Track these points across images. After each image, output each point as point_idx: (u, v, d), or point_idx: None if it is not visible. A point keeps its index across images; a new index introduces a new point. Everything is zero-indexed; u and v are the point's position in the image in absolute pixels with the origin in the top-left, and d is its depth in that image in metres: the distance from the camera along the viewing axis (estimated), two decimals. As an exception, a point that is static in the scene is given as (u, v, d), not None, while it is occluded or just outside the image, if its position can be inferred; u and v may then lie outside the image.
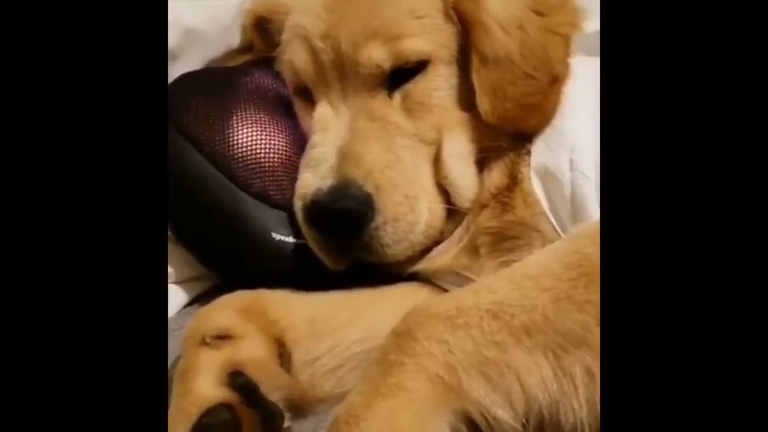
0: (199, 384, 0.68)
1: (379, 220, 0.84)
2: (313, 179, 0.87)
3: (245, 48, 1.09)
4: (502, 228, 0.86)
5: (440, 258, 0.89)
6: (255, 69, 1.02)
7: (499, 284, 0.73)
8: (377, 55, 0.88)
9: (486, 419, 0.66)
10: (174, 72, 1.01)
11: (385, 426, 0.62)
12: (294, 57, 0.93)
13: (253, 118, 0.93)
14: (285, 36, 0.97)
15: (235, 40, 1.07)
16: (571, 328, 0.67)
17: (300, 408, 0.75)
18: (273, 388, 0.70)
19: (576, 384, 0.67)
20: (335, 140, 0.88)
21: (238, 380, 0.67)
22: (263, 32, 1.05)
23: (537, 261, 0.75)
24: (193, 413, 0.65)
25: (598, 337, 0.66)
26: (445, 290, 0.88)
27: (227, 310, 0.77)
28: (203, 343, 0.72)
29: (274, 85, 1.00)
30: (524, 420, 0.67)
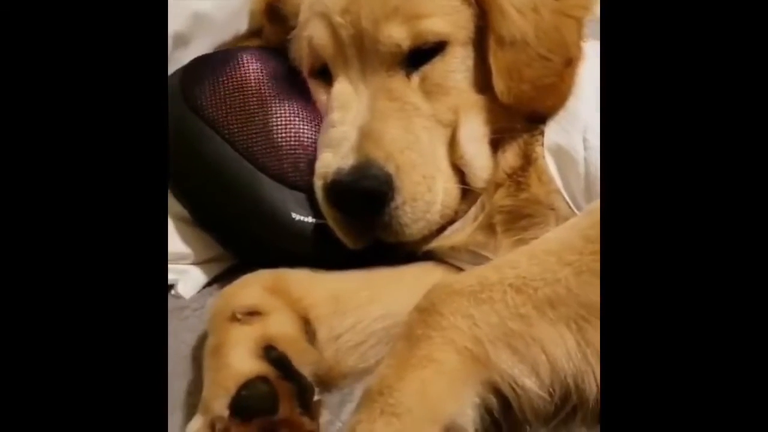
0: (234, 358, 0.69)
1: (398, 199, 0.85)
2: (333, 159, 0.87)
3: (254, 33, 1.08)
4: (517, 206, 0.88)
5: (455, 236, 0.91)
6: (265, 51, 1.03)
7: (520, 259, 0.75)
8: (397, 34, 0.88)
9: (513, 389, 0.68)
10: (185, 57, 1.01)
11: (419, 395, 0.63)
12: (313, 33, 0.93)
13: (270, 101, 0.93)
14: (302, 16, 0.97)
15: (243, 25, 1.07)
16: (594, 300, 0.69)
17: (326, 383, 0.76)
18: (303, 363, 0.71)
19: (599, 354, 0.69)
20: (355, 119, 0.88)
21: (272, 354, 0.68)
22: (273, 16, 1.05)
23: (557, 237, 0.77)
24: (231, 387, 0.66)
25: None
26: (460, 269, 0.90)
27: (253, 287, 0.78)
28: (234, 319, 0.73)
29: (285, 67, 0.99)
30: (550, 389, 0.69)
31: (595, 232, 0.73)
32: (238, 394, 0.65)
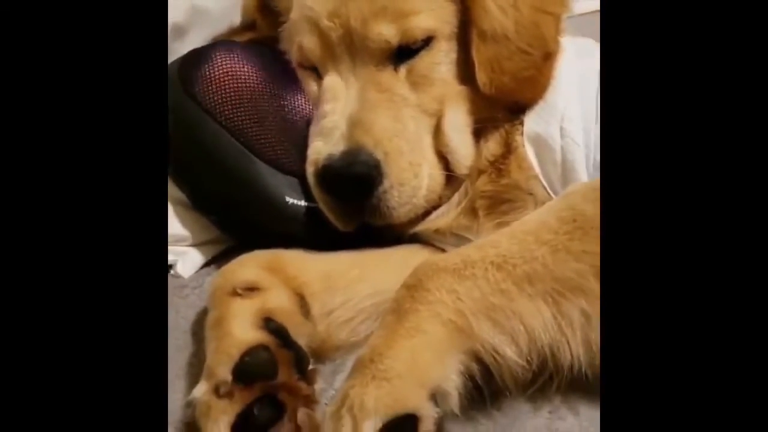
0: (236, 328, 0.73)
1: (386, 184, 0.90)
2: (324, 146, 0.92)
3: (247, 25, 1.12)
4: (498, 191, 0.94)
5: (439, 220, 0.96)
6: (258, 43, 1.07)
7: (501, 240, 0.80)
8: (387, 32, 0.93)
9: (494, 358, 0.73)
10: (183, 48, 1.04)
11: (408, 362, 0.68)
12: (302, 39, 0.97)
13: (264, 90, 0.97)
14: (293, 15, 1.01)
15: (237, 18, 1.11)
16: (569, 276, 0.74)
17: (319, 354, 0.81)
18: (299, 334, 0.76)
19: (573, 326, 0.75)
20: (345, 109, 0.93)
21: (271, 325, 0.73)
22: (266, 11, 1.09)
23: (535, 218, 0.83)
24: (235, 354, 0.70)
25: (593, 284, 0.74)
26: (444, 251, 0.95)
27: (252, 265, 0.83)
28: (234, 294, 0.77)
29: (278, 59, 1.04)
30: (528, 358, 0.74)
31: (570, 214, 0.79)
32: (240, 360, 0.69)
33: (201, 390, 0.69)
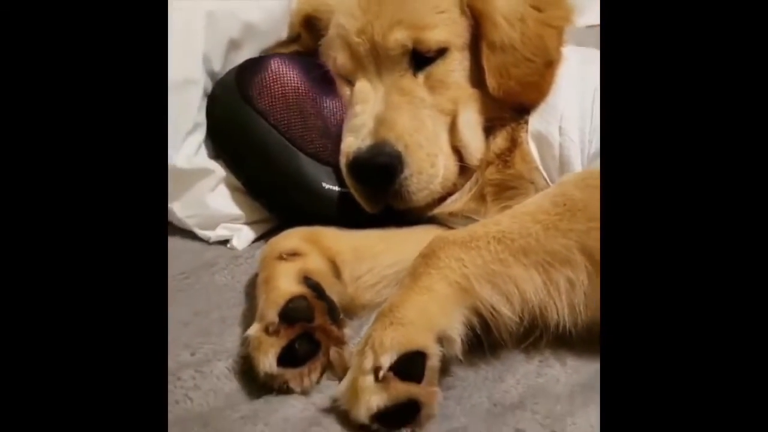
0: (282, 284, 0.89)
1: (407, 172, 1.05)
2: (354, 141, 1.08)
3: (293, 39, 1.30)
4: (504, 180, 1.09)
5: (453, 204, 1.12)
6: (301, 56, 1.25)
7: (502, 219, 0.94)
8: (401, 37, 1.08)
9: (492, 314, 0.87)
10: (239, 58, 1.23)
11: (420, 312, 0.84)
12: (336, 54, 1.15)
13: (305, 95, 1.16)
14: (330, 32, 1.18)
15: (284, 33, 1.28)
16: (557, 249, 0.88)
17: (348, 311, 0.97)
18: (331, 292, 0.92)
19: (560, 291, 0.88)
20: (372, 110, 1.09)
21: (310, 281, 0.89)
22: (309, 27, 1.27)
23: (532, 202, 0.97)
24: (281, 301, 0.86)
25: (578, 256, 0.87)
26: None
27: (294, 237, 1.00)
28: (280, 258, 0.94)
29: (317, 69, 1.22)
30: (521, 316, 0.88)
31: (561, 198, 0.93)
32: (285, 306, 0.85)
33: (254, 329, 0.85)
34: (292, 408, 0.81)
